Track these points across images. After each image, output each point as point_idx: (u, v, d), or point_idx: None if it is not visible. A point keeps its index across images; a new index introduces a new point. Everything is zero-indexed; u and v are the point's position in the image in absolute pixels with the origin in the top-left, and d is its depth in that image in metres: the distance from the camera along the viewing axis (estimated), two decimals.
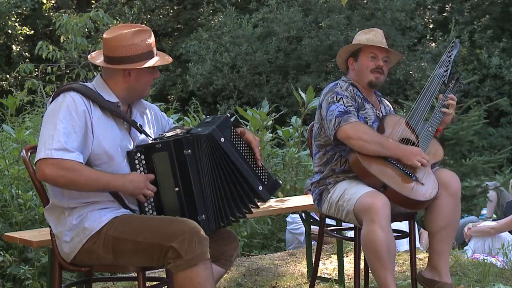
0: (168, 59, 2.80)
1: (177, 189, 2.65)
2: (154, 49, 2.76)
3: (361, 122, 3.27)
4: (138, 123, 2.76)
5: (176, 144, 2.65)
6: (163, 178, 2.68)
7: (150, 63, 2.69)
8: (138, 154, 2.68)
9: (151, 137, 2.78)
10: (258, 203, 2.88)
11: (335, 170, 3.39)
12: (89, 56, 2.85)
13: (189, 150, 2.64)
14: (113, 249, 2.58)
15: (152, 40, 2.74)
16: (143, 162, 2.68)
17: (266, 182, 2.81)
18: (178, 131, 2.80)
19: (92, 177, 2.55)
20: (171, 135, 2.75)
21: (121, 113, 2.70)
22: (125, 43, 2.67)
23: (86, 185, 2.55)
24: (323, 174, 3.43)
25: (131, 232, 2.56)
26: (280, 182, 2.97)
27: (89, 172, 2.55)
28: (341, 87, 3.37)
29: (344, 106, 3.27)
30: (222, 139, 2.70)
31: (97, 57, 2.79)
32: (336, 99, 3.30)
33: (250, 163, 2.80)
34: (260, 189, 2.77)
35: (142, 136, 2.77)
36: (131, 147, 2.72)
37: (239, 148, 2.79)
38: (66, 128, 2.53)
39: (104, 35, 2.73)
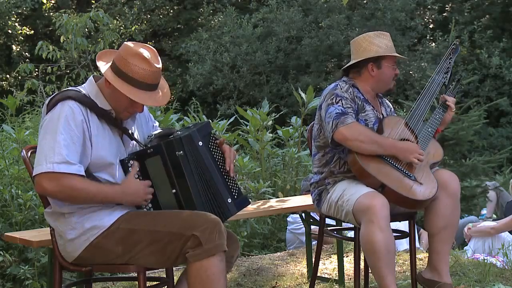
0: (149, 101, 2.65)
1: (174, 191, 2.67)
2: (150, 84, 2.63)
3: (358, 123, 3.26)
4: (130, 130, 2.75)
5: (168, 147, 2.65)
6: (158, 181, 2.68)
7: (121, 85, 2.60)
8: (131, 162, 2.69)
9: (142, 143, 2.78)
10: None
11: (334, 172, 3.39)
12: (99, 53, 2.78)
13: (181, 151, 2.64)
14: (126, 241, 2.59)
15: (150, 75, 2.63)
16: (137, 169, 2.69)
17: (236, 197, 2.78)
18: (164, 133, 2.79)
19: (92, 192, 2.55)
20: (160, 138, 2.74)
21: (113, 120, 2.69)
22: (123, 55, 2.63)
23: (85, 199, 2.57)
24: (322, 175, 3.43)
25: (148, 222, 2.59)
26: (250, 200, 2.95)
27: (88, 187, 2.54)
28: (341, 89, 3.37)
29: (343, 107, 3.27)
30: (200, 143, 2.71)
31: (111, 56, 2.74)
32: (335, 101, 3.30)
33: (223, 173, 2.78)
34: (229, 201, 2.73)
35: (134, 142, 2.77)
36: (125, 153, 2.72)
37: (215, 155, 2.78)
38: (66, 140, 2.52)
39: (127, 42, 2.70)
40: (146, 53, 2.64)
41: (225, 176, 2.78)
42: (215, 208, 2.71)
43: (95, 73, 7.83)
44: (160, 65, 2.68)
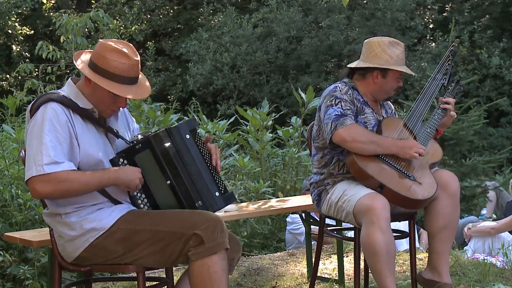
0: (130, 94, 2.64)
1: (168, 182, 2.68)
2: (130, 77, 2.64)
3: (357, 124, 3.27)
4: (115, 129, 2.76)
5: (156, 140, 2.68)
6: (151, 175, 2.70)
7: (102, 81, 2.59)
8: (121, 160, 2.69)
9: (127, 140, 2.78)
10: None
11: (333, 174, 3.39)
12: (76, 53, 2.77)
13: (169, 143, 2.67)
14: (127, 242, 2.59)
15: (130, 68, 2.63)
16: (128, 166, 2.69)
17: (222, 192, 2.80)
18: (149, 132, 2.82)
19: (86, 181, 2.55)
20: (147, 134, 2.76)
21: (96, 119, 2.69)
22: (100, 52, 2.63)
23: (81, 190, 2.56)
24: (321, 176, 3.43)
25: (149, 222, 2.60)
26: (235, 196, 2.97)
27: (80, 177, 2.55)
28: (340, 90, 3.36)
29: (342, 109, 3.27)
30: (187, 136, 2.74)
31: (87, 55, 2.74)
32: (334, 103, 3.30)
33: (209, 168, 2.81)
34: (217, 195, 2.75)
35: (119, 139, 2.77)
36: (111, 151, 2.72)
37: (201, 150, 2.80)
38: (52, 141, 2.52)
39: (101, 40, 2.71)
40: (123, 48, 2.65)
41: (212, 171, 2.80)
42: (210, 195, 2.72)
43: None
44: (138, 58, 2.68)
